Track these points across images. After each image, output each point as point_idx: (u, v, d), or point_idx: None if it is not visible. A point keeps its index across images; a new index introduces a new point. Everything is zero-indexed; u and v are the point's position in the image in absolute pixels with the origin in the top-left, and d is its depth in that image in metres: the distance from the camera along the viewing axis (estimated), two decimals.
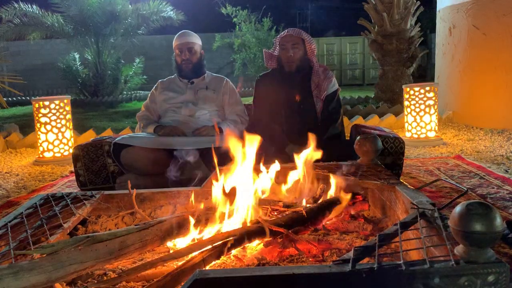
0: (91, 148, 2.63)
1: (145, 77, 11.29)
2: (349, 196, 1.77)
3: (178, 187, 1.97)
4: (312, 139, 1.80)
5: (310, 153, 1.79)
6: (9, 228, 1.42)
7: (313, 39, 2.77)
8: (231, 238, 1.39)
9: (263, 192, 1.73)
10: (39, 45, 13.01)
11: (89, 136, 4.67)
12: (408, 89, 4.43)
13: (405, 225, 1.25)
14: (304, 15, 18.96)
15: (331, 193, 1.80)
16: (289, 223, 1.55)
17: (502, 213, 2.16)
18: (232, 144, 1.61)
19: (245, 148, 1.63)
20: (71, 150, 3.85)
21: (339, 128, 2.78)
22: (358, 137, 2.04)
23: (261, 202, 1.68)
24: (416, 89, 4.38)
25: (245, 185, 1.62)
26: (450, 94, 5.59)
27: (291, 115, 2.70)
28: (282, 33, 2.72)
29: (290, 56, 2.66)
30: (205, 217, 1.54)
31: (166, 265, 1.37)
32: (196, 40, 2.86)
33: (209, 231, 1.54)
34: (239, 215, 1.58)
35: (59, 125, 4.05)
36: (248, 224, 1.52)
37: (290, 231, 1.51)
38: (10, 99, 10.81)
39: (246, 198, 1.60)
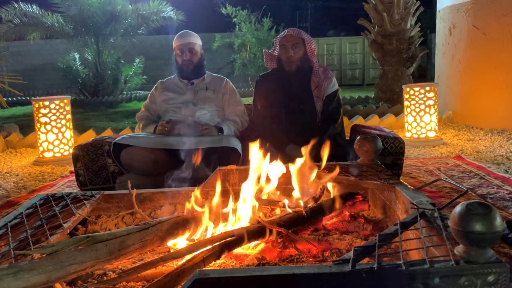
0: (91, 148, 2.63)
1: (145, 77, 11.29)
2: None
3: (178, 187, 1.97)
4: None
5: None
6: (9, 228, 1.42)
7: (313, 39, 2.77)
8: (231, 238, 1.39)
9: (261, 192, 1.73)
10: (39, 45, 13.01)
11: (89, 136, 4.67)
12: (408, 89, 4.43)
13: (405, 225, 1.25)
14: (304, 15, 18.97)
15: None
16: (289, 223, 1.55)
17: (502, 213, 2.16)
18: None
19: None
20: (71, 150, 3.85)
21: (339, 128, 2.78)
22: (358, 137, 2.04)
23: (261, 202, 1.68)
24: (416, 89, 4.38)
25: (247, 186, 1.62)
26: (450, 94, 5.59)
27: (291, 115, 2.70)
28: (282, 33, 2.72)
29: (290, 56, 2.66)
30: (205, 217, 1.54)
31: (166, 265, 1.37)
32: (197, 40, 2.86)
33: (209, 231, 1.54)
34: (239, 215, 1.58)
35: (59, 125, 4.05)
36: (248, 224, 1.53)
37: (290, 231, 1.52)
38: (10, 99, 10.81)
39: (247, 198, 1.60)
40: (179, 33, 2.88)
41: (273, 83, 2.75)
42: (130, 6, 10.12)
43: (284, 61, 2.70)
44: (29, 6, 9.54)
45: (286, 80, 2.72)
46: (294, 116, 2.69)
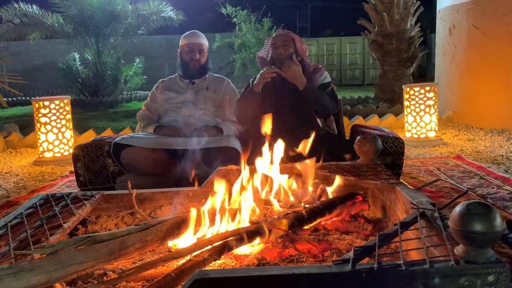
0: (91, 148, 2.63)
1: (145, 77, 11.29)
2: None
3: (178, 187, 1.97)
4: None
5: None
6: (9, 228, 1.42)
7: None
8: (231, 238, 1.39)
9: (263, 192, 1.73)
10: (39, 45, 13.02)
11: (89, 136, 4.67)
12: (408, 89, 4.43)
13: (405, 225, 1.25)
14: (304, 15, 18.99)
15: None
16: (289, 223, 1.55)
17: (502, 213, 2.16)
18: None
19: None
20: (71, 150, 3.85)
21: (334, 107, 2.74)
22: (358, 137, 2.04)
23: (261, 202, 1.68)
24: (416, 89, 4.38)
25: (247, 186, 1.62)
26: (450, 94, 5.59)
27: (282, 110, 2.69)
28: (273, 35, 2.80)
29: (281, 53, 2.70)
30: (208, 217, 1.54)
31: (166, 265, 1.37)
32: (206, 42, 2.93)
33: (209, 231, 1.54)
34: (239, 215, 1.58)
35: (59, 125, 4.05)
36: (248, 224, 1.52)
37: (290, 231, 1.51)
38: (10, 99, 10.81)
39: (246, 198, 1.60)
40: (190, 32, 2.92)
41: (267, 83, 2.74)
42: (130, 6, 10.13)
43: (276, 58, 2.72)
44: (29, 6, 9.55)
45: (277, 77, 2.72)
46: (285, 111, 2.69)
